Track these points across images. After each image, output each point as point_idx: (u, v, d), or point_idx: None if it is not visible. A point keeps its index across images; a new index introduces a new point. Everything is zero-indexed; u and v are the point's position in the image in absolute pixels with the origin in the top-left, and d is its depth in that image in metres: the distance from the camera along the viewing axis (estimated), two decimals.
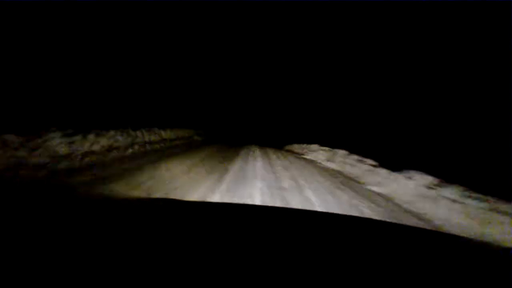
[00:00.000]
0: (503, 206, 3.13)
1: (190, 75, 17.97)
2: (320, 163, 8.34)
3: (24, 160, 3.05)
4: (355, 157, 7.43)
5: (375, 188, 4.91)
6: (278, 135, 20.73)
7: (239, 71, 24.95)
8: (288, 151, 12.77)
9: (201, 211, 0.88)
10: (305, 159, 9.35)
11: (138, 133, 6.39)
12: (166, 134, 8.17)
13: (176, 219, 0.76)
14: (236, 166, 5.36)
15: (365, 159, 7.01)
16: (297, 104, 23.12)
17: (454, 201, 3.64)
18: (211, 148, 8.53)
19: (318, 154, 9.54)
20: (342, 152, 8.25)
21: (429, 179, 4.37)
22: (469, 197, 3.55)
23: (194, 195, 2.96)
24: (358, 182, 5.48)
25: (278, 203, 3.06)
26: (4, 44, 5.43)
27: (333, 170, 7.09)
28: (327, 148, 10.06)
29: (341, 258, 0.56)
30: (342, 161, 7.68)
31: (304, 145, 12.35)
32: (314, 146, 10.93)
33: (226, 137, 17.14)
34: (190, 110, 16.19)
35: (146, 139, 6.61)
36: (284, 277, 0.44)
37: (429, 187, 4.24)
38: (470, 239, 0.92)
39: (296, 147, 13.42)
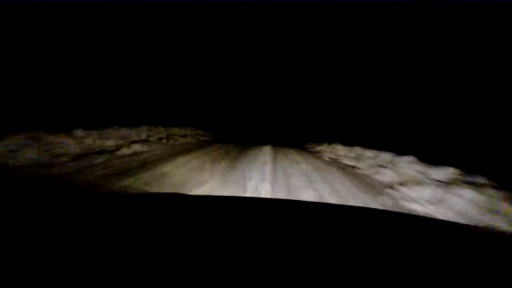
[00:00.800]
0: None
1: (203, 74, 17.72)
2: None
3: None
4: None
5: None
6: (301, 130, 15.56)
7: (255, 66, 20.66)
8: (331, 162, 6.40)
9: (207, 206, 0.86)
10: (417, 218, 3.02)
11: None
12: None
13: (181, 214, 0.74)
14: None
15: None
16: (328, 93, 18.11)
17: None
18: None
19: (451, 199, 3.06)
20: None
21: None
22: None
23: None
24: None
25: None
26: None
27: None
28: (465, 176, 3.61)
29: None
30: None
31: (366, 152, 5.87)
32: (407, 161, 4.45)
33: (236, 135, 13.82)
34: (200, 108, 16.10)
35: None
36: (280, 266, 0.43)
37: None
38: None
39: (343, 154, 6.96)
